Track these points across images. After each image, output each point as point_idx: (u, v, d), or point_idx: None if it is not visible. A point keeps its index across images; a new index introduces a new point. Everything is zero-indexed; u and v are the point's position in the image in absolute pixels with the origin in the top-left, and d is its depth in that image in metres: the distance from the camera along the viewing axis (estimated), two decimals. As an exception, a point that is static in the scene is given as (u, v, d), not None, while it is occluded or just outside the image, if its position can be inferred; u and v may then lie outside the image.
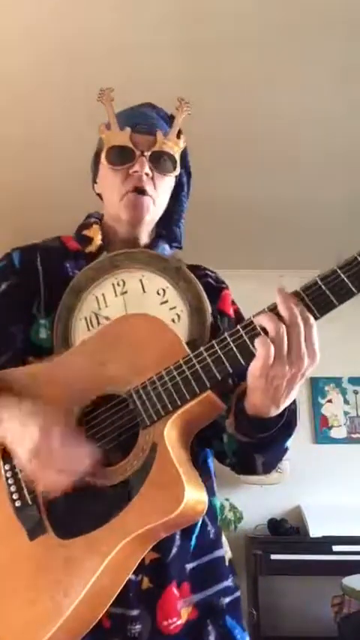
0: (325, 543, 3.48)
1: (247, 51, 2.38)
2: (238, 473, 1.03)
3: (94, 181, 1.15)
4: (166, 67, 2.41)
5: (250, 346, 0.82)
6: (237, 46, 2.35)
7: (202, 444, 1.00)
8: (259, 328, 0.82)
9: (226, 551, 1.02)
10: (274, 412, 0.85)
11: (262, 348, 0.79)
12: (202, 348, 0.85)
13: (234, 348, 0.83)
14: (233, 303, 1.11)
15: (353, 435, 4.11)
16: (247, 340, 0.83)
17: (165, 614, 0.90)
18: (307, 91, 2.60)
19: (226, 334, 0.85)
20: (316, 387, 4.15)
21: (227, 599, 0.97)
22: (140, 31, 2.28)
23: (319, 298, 0.81)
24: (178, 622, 0.90)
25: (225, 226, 3.65)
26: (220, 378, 0.84)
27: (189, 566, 0.95)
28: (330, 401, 4.15)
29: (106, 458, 0.86)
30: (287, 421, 0.89)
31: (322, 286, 0.81)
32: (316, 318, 0.81)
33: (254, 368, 0.81)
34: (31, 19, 2.22)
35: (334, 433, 4.10)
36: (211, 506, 1.01)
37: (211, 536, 1.00)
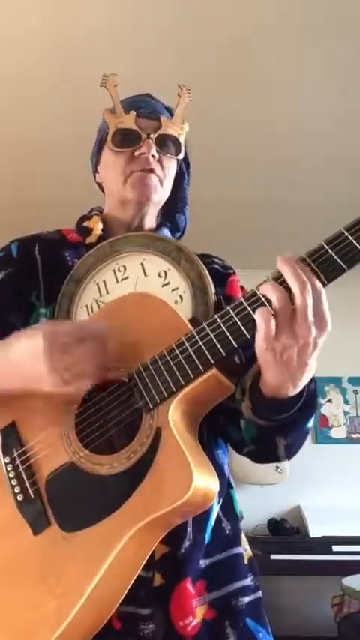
0: (325, 543, 3.47)
1: (247, 54, 2.38)
2: (259, 461, 0.98)
3: (95, 171, 1.14)
4: (166, 69, 2.40)
5: (254, 316, 0.77)
6: (237, 49, 2.35)
7: (215, 434, 0.97)
8: (263, 298, 0.77)
9: (245, 549, 0.98)
10: (292, 391, 0.80)
11: (261, 320, 0.74)
12: (204, 324, 0.81)
13: (237, 322, 0.79)
14: (242, 288, 1.09)
15: (353, 435, 4.10)
16: (251, 312, 0.78)
17: (180, 614, 0.85)
18: (307, 95, 2.60)
19: (228, 307, 0.80)
20: (316, 387, 4.14)
21: (247, 599, 0.92)
22: (140, 34, 2.28)
23: (326, 263, 0.76)
24: (194, 622, 0.85)
25: (223, 227, 3.65)
26: (224, 353, 0.79)
27: (203, 562, 0.90)
28: (330, 401, 4.15)
29: (110, 445, 0.84)
30: (306, 402, 0.84)
31: (329, 250, 0.76)
32: (323, 285, 0.76)
33: (259, 341, 0.76)
34: (31, 20, 2.22)
35: (334, 433, 4.10)
36: (230, 501, 0.99)
37: (227, 532, 0.96)
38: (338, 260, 0.76)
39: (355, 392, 4.17)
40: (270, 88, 2.57)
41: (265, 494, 3.81)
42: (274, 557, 3.42)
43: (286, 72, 2.48)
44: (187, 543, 0.88)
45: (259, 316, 0.75)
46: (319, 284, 0.75)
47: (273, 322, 0.74)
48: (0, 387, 0.87)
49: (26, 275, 1.01)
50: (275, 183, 3.27)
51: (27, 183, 3.25)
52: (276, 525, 3.77)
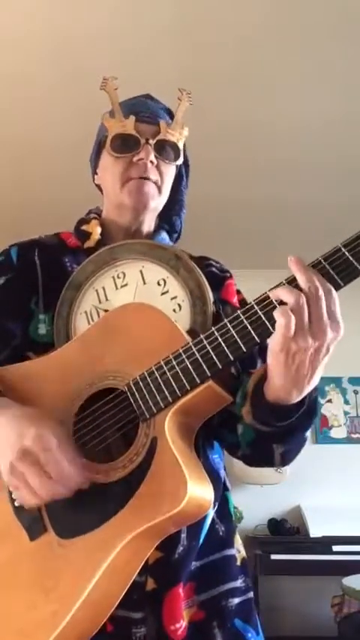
0: (325, 543, 3.48)
1: (247, 54, 2.38)
2: (252, 465, 0.98)
3: (95, 172, 1.14)
4: (166, 70, 2.41)
5: (251, 332, 0.79)
6: (237, 49, 2.35)
7: (209, 436, 0.97)
8: (260, 312, 0.78)
9: (238, 551, 0.98)
10: (297, 397, 0.80)
11: (281, 318, 0.74)
12: (202, 336, 0.82)
13: (234, 335, 0.80)
14: (238, 292, 1.09)
15: (353, 435, 4.11)
16: (248, 325, 0.79)
17: (172, 618, 0.85)
18: (307, 95, 2.60)
19: (226, 320, 0.81)
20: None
21: (236, 600, 0.92)
22: (141, 34, 2.28)
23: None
24: (184, 625, 0.86)
25: (224, 227, 3.65)
26: (221, 366, 0.80)
27: (194, 564, 0.90)
28: (330, 401, 4.15)
29: (106, 453, 0.84)
30: (308, 409, 0.85)
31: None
32: (339, 287, 0.77)
33: (275, 341, 0.76)
34: (31, 20, 2.22)
35: (334, 433, 4.10)
36: (225, 503, 0.99)
37: (221, 534, 0.95)
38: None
39: (355, 392, 4.17)
40: (270, 88, 2.57)
41: (265, 494, 3.81)
42: (274, 557, 3.43)
43: (286, 72, 2.48)
44: (180, 549, 0.88)
45: (279, 315, 0.75)
46: (331, 287, 0.76)
47: (293, 321, 0.74)
48: None
49: (26, 281, 1.01)
50: (275, 184, 3.27)
51: (27, 184, 3.25)
52: (276, 525, 3.78)
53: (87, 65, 2.42)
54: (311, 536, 3.59)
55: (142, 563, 0.80)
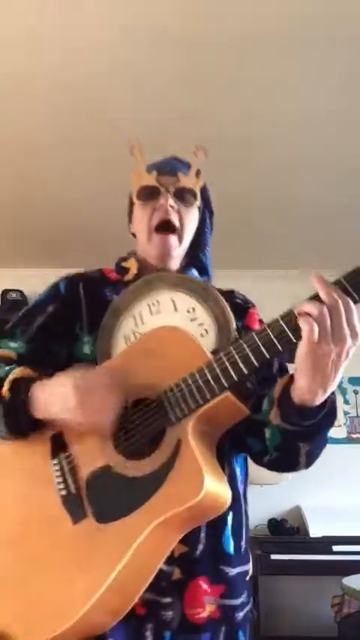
0: (325, 543, 3.48)
1: (248, 54, 2.38)
2: (278, 470, 1.11)
3: (130, 222, 1.32)
4: (167, 70, 2.41)
5: (262, 349, 0.92)
6: (238, 48, 2.35)
7: (235, 448, 1.10)
8: (270, 334, 0.91)
9: (249, 567, 1.12)
10: (321, 397, 0.92)
11: (305, 325, 0.86)
12: (221, 353, 0.96)
13: (249, 353, 0.94)
14: (261, 321, 1.22)
15: (353, 435, 4.11)
16: (261, 346, 0.93)
17: (192, 605, 1.00)
18: (307, 95, 2.60)
19: (241, 341, 0.95)
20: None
21: (241, 614, 1.06)
22: (141, 34, 2.28)
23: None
24: (202, 614, 1.01)
25: (223, 227, 3.65)
26: (236, 378, 0.94)
27: (230, 570, 1.05)
28: (330, 401, 4.15)
29: (140, 452, 0.98)
30: (330, 410, 0.96)
31: None
32: (356, 302, 0.89)
33: (302, 346, 0.88)
34: (31, 20, 2.22)
35: (334, 433, 4.10)
36: (244, 518, 1.12)
37: (244, 548, 1.09)
38: None
39: (355, 392, 4.18)
40: (270, 88, 2.57)
41: (265, 494, 3.80)
42: (274, 557, 3.43)
43: (286, 72, 2.47)
44: (200, 547, 1.02)
45: (303, 323, 0.87)
46: (350, 301, 0.88)
47: (316, 328, 0.86)
48: (46, 413, 1.03)
49: (72, 309, 1.18)
50: (275, 183, 3.27)
51: (27, 184, 3.25)
52: (276, 525, 3.78)
53: (87, 65, 2.42)
54: (311, 536, 3.59)
55: (169, 551, 0.95)
